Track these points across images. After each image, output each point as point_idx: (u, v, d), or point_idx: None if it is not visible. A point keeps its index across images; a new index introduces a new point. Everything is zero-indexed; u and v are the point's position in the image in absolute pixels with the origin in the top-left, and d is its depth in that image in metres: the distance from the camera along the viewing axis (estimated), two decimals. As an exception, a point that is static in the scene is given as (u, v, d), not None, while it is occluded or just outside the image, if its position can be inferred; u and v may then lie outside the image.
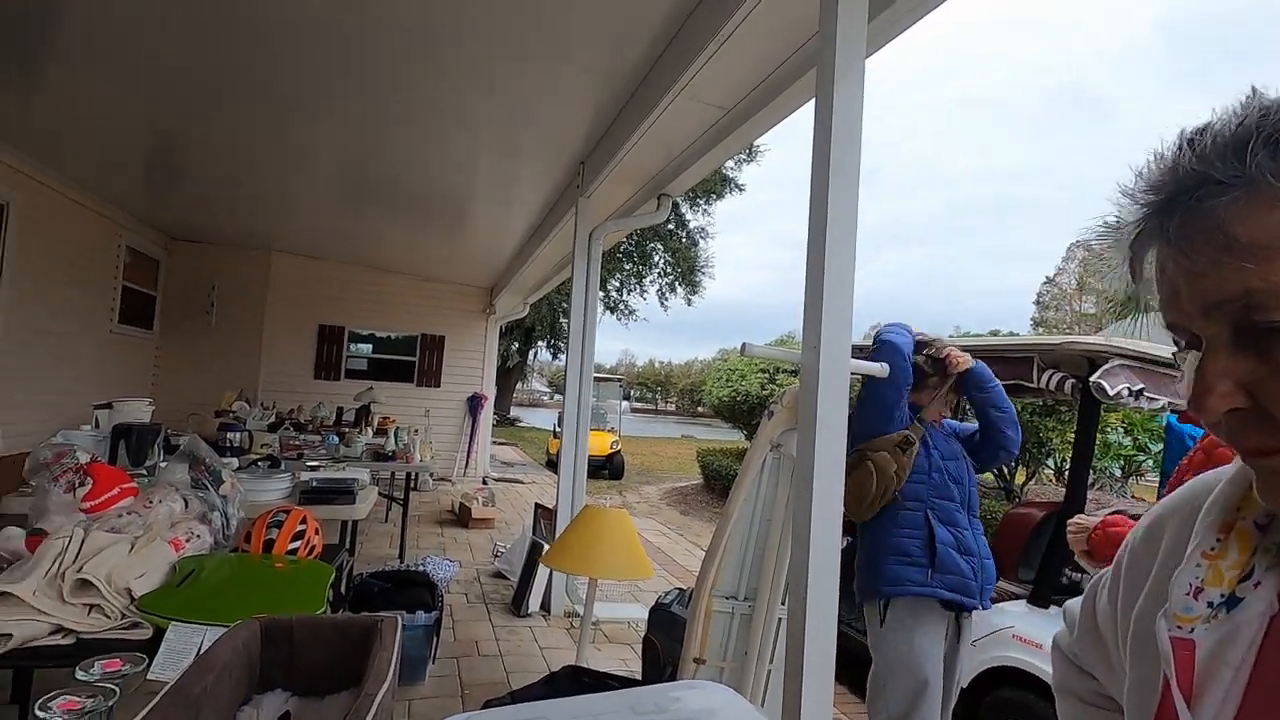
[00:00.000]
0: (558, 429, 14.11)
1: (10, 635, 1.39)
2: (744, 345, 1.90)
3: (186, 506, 2.08)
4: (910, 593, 2.07)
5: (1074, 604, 0.70)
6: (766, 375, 11.69)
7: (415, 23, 2.99)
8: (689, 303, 19.65)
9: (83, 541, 1.65)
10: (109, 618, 1.53)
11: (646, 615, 3.07)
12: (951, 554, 2.09)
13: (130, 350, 7.83)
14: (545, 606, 4.29)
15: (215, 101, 4.21)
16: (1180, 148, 0.43)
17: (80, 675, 0.97)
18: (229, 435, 4.17)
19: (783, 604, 2.02)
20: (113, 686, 0.94)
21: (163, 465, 2.43)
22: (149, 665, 1.15)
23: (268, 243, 8.67)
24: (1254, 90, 0.43)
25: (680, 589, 3.11)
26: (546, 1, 2.71)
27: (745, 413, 12.16)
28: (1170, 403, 2.73)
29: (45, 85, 4.21)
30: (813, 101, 1.82)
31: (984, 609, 2.17)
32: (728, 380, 12.61)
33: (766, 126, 3.20)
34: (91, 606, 1.53)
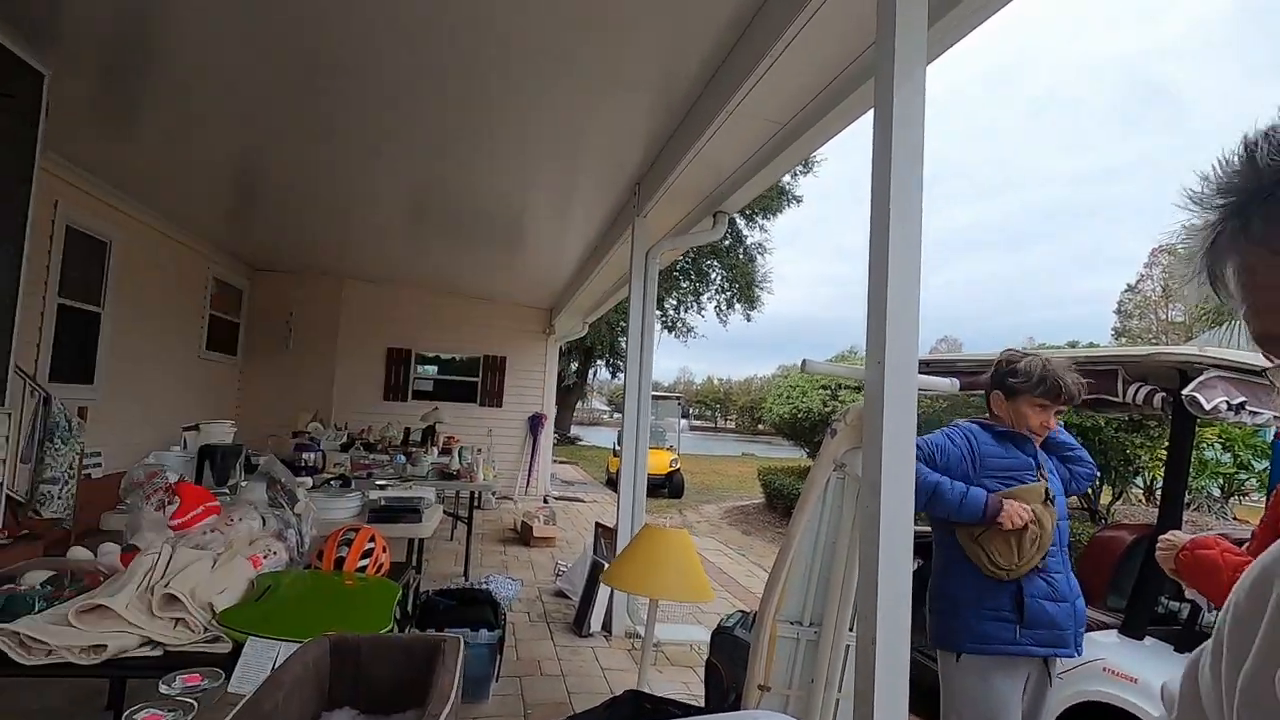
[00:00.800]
0: (617, 447, 14.13)
1: (106, 646, 1.47)
2: (804, 362, 1.85)
3: (264, 524, 2.17)
4: (997, 652, 1.87)
5: (1173, 682, 0.63)
6: (828, 392, 11.43)
7: (472, 57, 3.10)
8: (748, 318, 19.50)
9: (170, 558, 1.74)
10: (193, 631, 1.61)
11: (709, 637, 3.01)
12: (1043, 605, 1.89)
13: (216, 374, 8.31)
14: (607, 627, 4.28)
15: (291, 141, 4.47)
16: (1255, 144, 0.40)
17: (163, 689, 1.01)
18: (304, 455, 4.35)
19: (851, 630, 1.94)
20: (191, 701, 0.98)
21: (243, 484, 2.55)
22: (227, 680, 1.19)
23: (340, 270, 9.10)
24: None
25: (744, 611, 3.04)
26: (599, 28, 2.76)
27: (806, 430, 11.90)
28: (1277, 417, 2.52)
29: (143, 132, 4.57)
30: (871, 111, 1.79)
31: (1078, 655, 1.98)
32: (788, 397, 12.39)
33: (823, 140, 3.16)
34: (177, 620, 1.61)
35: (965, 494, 1.87)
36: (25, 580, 1.65)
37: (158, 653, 1.55)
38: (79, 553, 1.91)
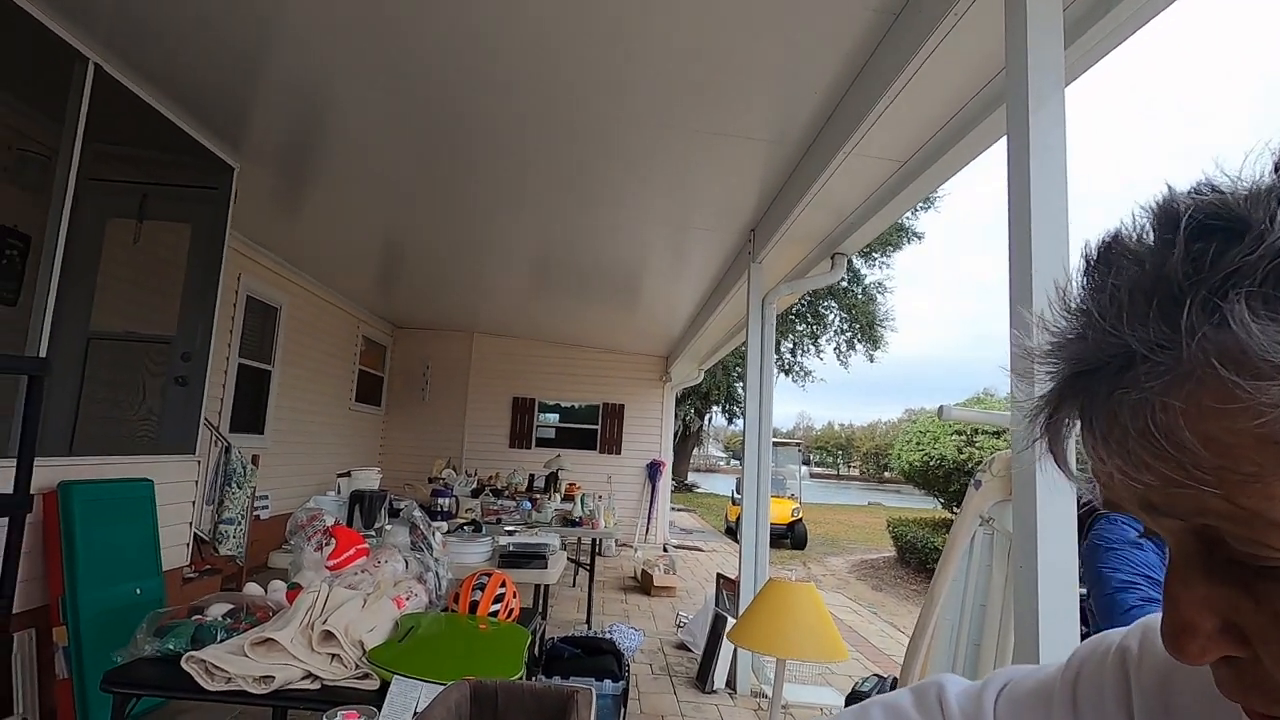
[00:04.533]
0: (736, 495, 13.87)
1: (274, 677, 1.60)
2: (941, 409, 1.74)
3: (407, 567, 2.30)
4: None
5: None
6: (964, 437, 10.64)
7: (591, 122, 3.28)
8: (870, 359, 18.71)
9: (327, 596, 1.89)
10: (346, 667, 1.72)
11: (841, 701, 2.83)
12: None
13: (363, 424, 9.07)
14: (731, 684, 4.12)
15: (430, 214, 4.93)
16: (1084, 289, 0.30)
17: (326, 723, 1.09)
18: (439, 501, 4.61)
19: (1008, 705, 1.75)
20: (350, 735, 1.04)
21: (388, 528, 2.74)
22: (377, 718, 1.27)
23: (470, 325, 9.74)
24: (1171, 194, 0.28)
25: (880, 675, 2.84)
26: (714, 88, 2.84)
27: (940, 479, 11.11)
28: None
29: (308, 212, 5.20)
30: (1002, 141, 1.70)
31: None
32: (918, 443, 11.66)
33: (948, 175, 3.03)
34: (333, 656, 1.73)
35: None
36: (210, 611, 1.85)
37: (316, 686, 1.67)
38: (253, 589, 2.11)
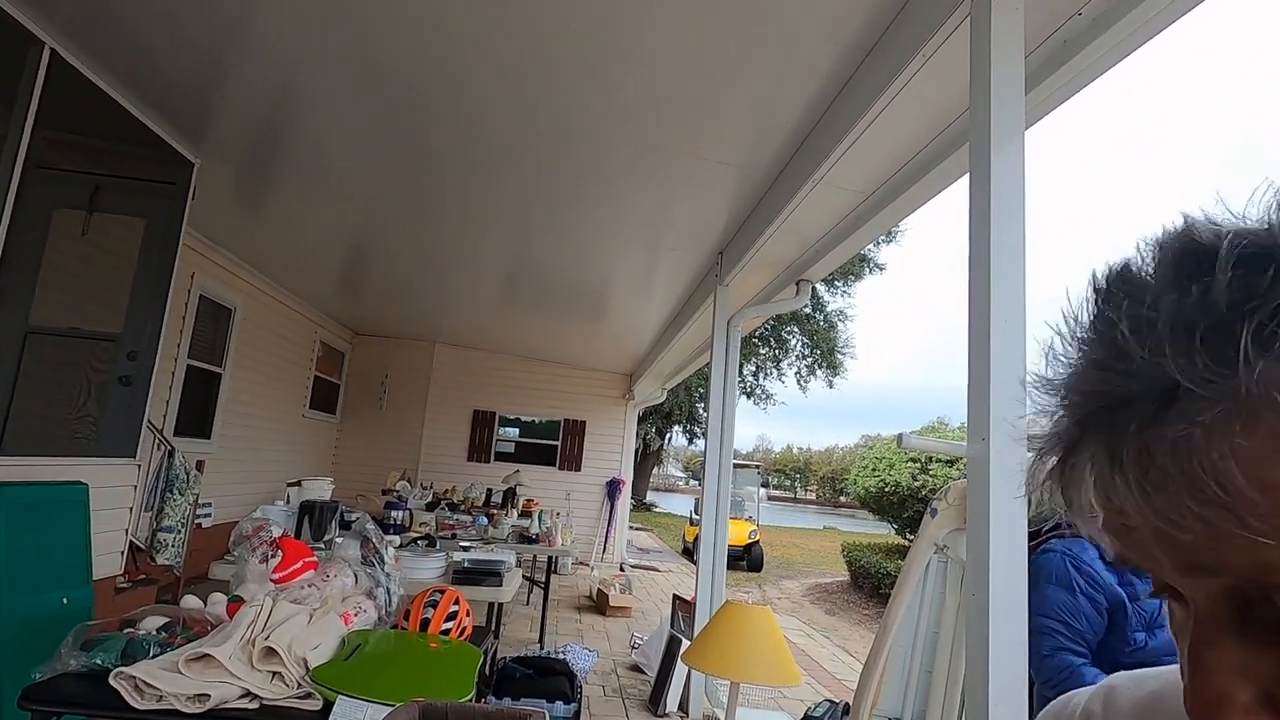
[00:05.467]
0: (695, 516, 13.86)
1: (209, 695, 1.53)
2: (901, 436, 1.78)
3: (356, 582, 2.23)
4: None
5: None
6: (918, 465, 10.87)
7: (562, 140, 3.29)
8: (830, 385, 19.02)
9: (270, 610, 1.81)
10: (288, 686, 1.65)
11: (794, 728, 2.83)
12: None
13: (317, 432, 8.82)
14: (683, 707, 4.09)
15: (396, 221, 4.86)
16: (1100, 320, 0.27)
17: (265, 745, 1.04)
18: (393, 513, 4.49)
19: (957, 732, 1.77)
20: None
21: (339, 541, 2.65)
22: (319, 739, 1.21)
23: (432, 335, 9.60)
24: (1190, 226, 0.27)
25: (832, 701, 2.85)
26: (691, 106, 2.88)
27: (894, 504, 11.31)
28: None
29: (270, 212, 5.07)
30: (964, 178, 1.76)
31: None
32: (874, 469, 11.86)
33: (912, 208, 3.12)
34: (274, 674, 1.66)
35: None
36: (144, 625, 1.75)
37: (254, 705, 1.59)
38: (191, 601, 2.01)
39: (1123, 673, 0.43)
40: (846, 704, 2.72)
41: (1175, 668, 0.36)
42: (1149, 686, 0.40)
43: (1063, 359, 0.29)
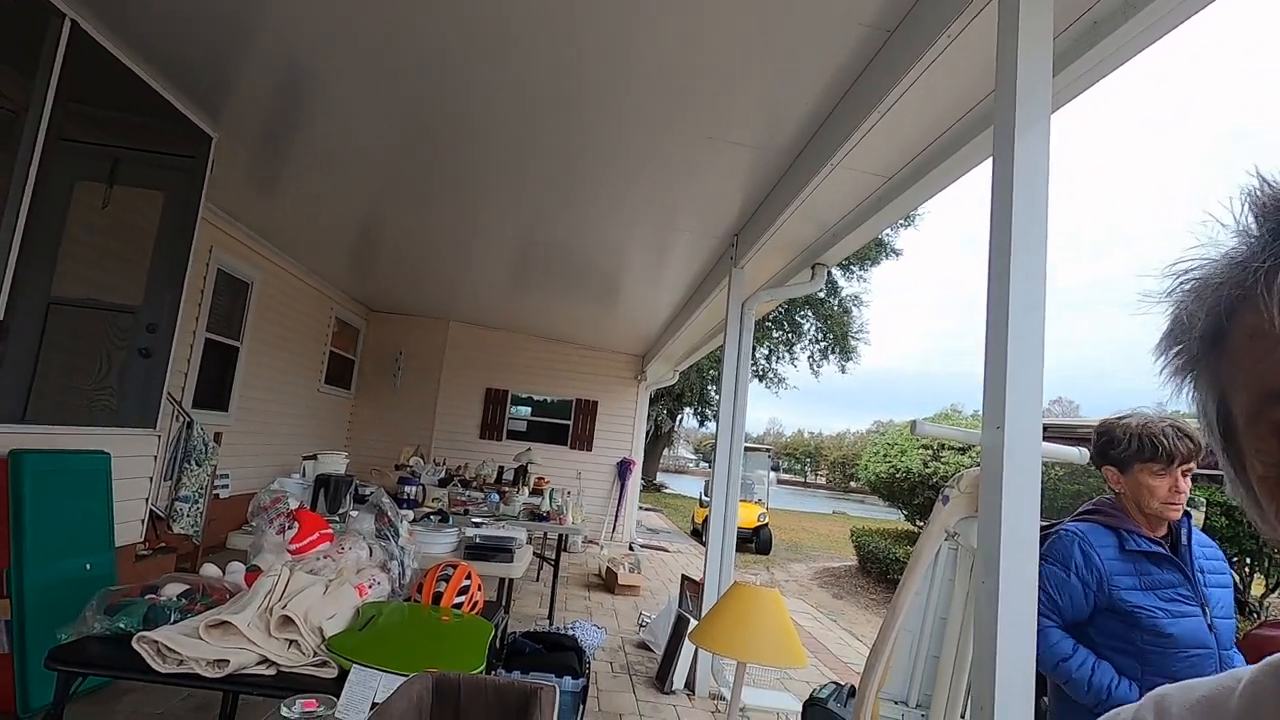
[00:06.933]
0: (704, 498, 13.91)
1: (228, 661, 1.57)
2: (914, 423, 1.77)
3: (371, 554, 2.27)
4: None
5: None
6: (930, 452, 10.81)
7: (578, 119, 3.26)
8: (843, 369, 18.93)
9: (288, 580, 1.85)
10: (304, 654, 1.69)
11: (798, 707, 2.86)
12: None
13: (332, 407, 8.92)
14: (690, 685, 4.14)
15: (412, 198, 4.85)
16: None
17: (284, 712, 1.07)
18: (406, 489, 4.54)
19: (963, 716, 1.78)
20: (307, 724, 1.02)
21: (353, 514, 2.69)
22: (336, 706, 1.24)
23: (447, 313, 9.63)
24: None
25: (837, 683, 2.87)
26: (706, 84, 2.85)
27: (905, 491, 11.27)
28: None
29: (288, 188, 5.08)
30: (986, 163, 1.73)
31: None
32: (885, 455, 11.82)
33: (932, 192, 3.08)
34: (291, 642, 1.70)
35: (1100, 694, 1.60)
36: (165, 592, 1.80)
37: (271, 672, 1.63)
38: (210, 570, 2.06)
39: (1170, 684, 0.44)
40: (852, 686, 2.74)
41: (1220, 676, 0.37)
42: (1199, 692, 0.42)
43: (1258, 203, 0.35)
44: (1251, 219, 0.35)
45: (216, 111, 3.79)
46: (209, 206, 5.14)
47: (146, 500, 3.76)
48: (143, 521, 3.77)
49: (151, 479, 3.76)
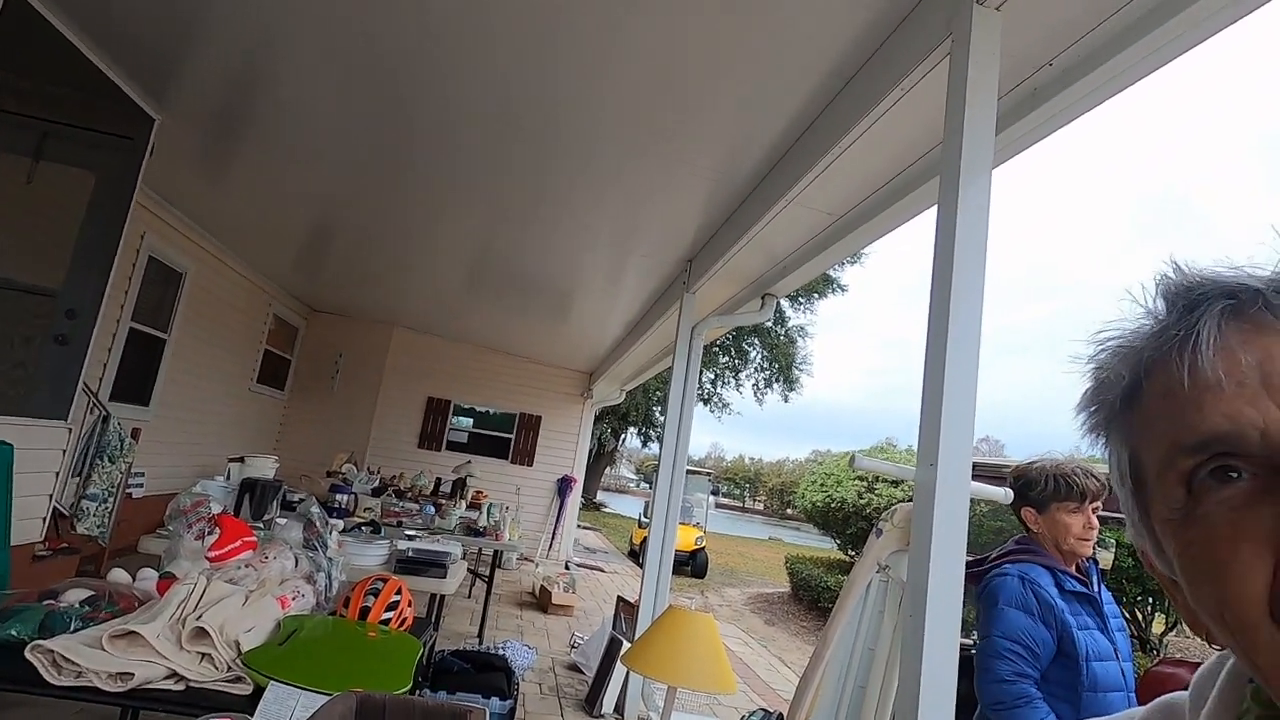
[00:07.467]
0: (644, 519, 13.89)
1: (133, 674, 1.47)
2: (853, 457, 1.82)
3: (296, 565, 2.17)
4: None
5: None
6: (864, 484, 11.11)
7: (541, 126, 3.26)
8: (785, 399, 19.30)
9: (204, 590, 1.75)
10: (217, 669, 1.60)
11: (727, 735, 2.86)
12: None
13: (263, 408, 8.54)
14: (619, 709, 4.09)
15: (363, 198, 4.74)
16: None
17: (193, 730, 1.01)
18: (338, 497, 4.38)
19: (885, 746, 1.82)
20: (217, 745, 0.97)
21: (280, 522, 2.58)
22: (249, 725, 1.18)
23: (393, 318, 9.40)
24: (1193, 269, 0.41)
25: (766, 710, 2.89)
26: (669, 112, 2.90)
27: (839, 521, 11.53)
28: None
29: (232, 176, 4.90)
30: (930, 210, 1.81)
31: None
32: (822, 485, 12.08)
33: (880, 234, 3.20)
34: (203, 655, 1.61)
35: None
36: (65, 598, 1.68)
37: (180, 687, 1.54)
38: (118, 575, 1.93)
39: (1174, 693, 0.46)
40: (780, 714, 2.76)
41: (1115, 716, 0.40)
42: None
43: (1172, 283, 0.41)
44: (1162, 304, 0.41)
45: (162, 92, 3.63)
46: (145, 191, 4.90)
47: (50, 497, 3.52)
48: (44, 520, 3.51)
49: (58, 474, 3.52)
